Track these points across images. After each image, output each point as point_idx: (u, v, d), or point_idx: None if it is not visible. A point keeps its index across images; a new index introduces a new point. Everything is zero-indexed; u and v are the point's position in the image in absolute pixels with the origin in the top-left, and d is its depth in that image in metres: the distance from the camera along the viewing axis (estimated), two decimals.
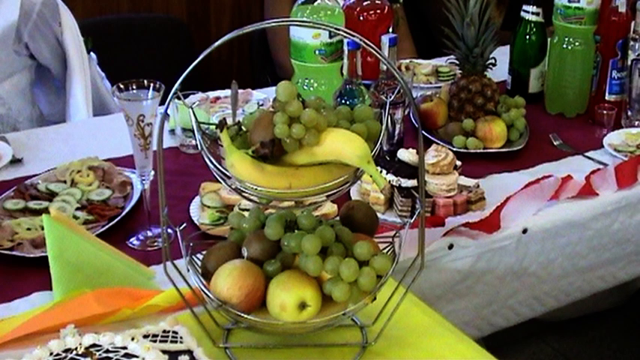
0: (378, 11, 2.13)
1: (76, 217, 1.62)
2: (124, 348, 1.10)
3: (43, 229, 1.42)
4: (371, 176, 1.12)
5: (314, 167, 1.13)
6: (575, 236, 1.75)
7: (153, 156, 1.53)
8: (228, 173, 1.14)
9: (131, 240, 1.59)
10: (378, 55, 1.13)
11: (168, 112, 1.32)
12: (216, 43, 1.09)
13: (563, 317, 2.76)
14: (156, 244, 1.57)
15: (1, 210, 1.65)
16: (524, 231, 1.68)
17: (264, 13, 3.14)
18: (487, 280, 1.68)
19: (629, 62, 2.11)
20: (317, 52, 1.87)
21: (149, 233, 1.59)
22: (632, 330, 2.89)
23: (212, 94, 2.24)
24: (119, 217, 1.64)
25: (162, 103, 1.37)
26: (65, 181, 1.75)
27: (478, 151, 1.95)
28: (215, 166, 1.15)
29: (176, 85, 1.12)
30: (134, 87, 1.51)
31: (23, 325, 1.27)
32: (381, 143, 1.19)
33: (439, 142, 1.93)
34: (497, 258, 1.67)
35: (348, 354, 1.27)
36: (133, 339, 1.11)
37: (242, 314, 1.19)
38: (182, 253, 1.26)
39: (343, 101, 1.78)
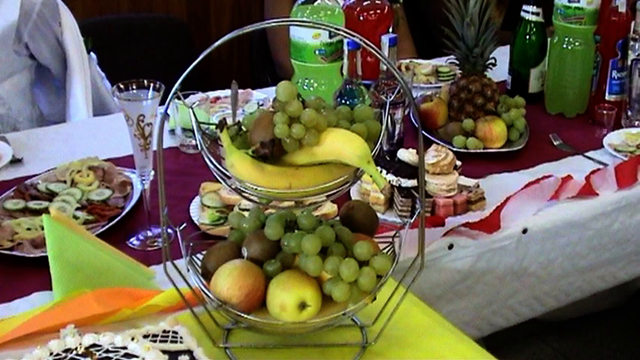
0: (378, 11, 2.13)
1: (76, 217, 1.62)
2: (124, 348, 1.10)
3: (43, 229, 1.42)
4: (371, 176, 1.12)
5: (314, 167, 1.13)
6: (575, 236, 1.75)
7: (153, 156, 1.53)
8: (228, 173, 1.14)
9: (131, 240, 1.59)
10: (378, 55, 1.13)
11: (168, 112, 1.32)
12: (216, 43, 1.09)
13: (563, 317, 2.76)
14: (156, 244, 1.57)
15: (1, 210, 1.65)
16: (524, 231, 1.68)
17: (264, 13, 3.14)
18: (487, 280, 1.68)
19: (629, 62, 2.11)
20: (317, 52, 1.87)
21: (149, 233, 1.59)
22: (632, 330, 2.89)
23: (212, 94, 2.24)
24: (119, 217, 1.64)
25: (162, 103, 1.37)
26: (65, 181, 1.75)
27: (478, 151, 1.95)
28: (215, 166, 1.15)
29: (176, 85, 1.12)
30: (134, 87, 1.51)
31: (23, 325, 1.27)
32: (381, 143, 1.19)
33: (439, 142, 1.93)
34: (497, 258, 1.67)
35: (348, 354, 1.27)
36: (133, 339, 1.11)
37: (242, 314, 1.19)
38: (182, 253, 1.26)
39: (343, 101, 1.78)
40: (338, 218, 1.32)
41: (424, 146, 1.23)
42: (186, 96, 1.89)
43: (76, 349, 1.10)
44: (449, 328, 1.34)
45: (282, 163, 1.13)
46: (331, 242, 1.20)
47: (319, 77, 1.92)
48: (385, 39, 1.84)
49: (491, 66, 2.04)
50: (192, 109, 1.19)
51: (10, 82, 2.37)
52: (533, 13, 2.21)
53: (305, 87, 1.91)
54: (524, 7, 2.22)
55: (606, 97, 2.17)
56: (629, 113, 2.11)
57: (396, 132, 1.88)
